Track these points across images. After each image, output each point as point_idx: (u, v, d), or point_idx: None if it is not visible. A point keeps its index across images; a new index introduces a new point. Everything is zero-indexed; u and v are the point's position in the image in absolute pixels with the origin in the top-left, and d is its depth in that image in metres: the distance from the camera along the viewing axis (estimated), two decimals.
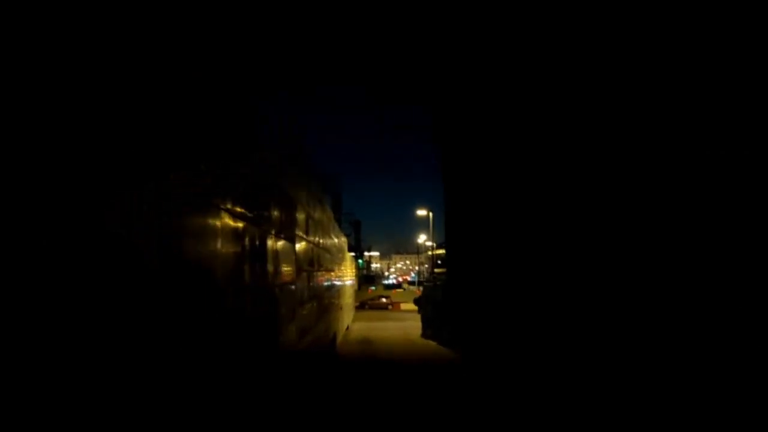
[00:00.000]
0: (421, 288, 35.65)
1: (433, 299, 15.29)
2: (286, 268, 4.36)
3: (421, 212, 38.02)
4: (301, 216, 5.60)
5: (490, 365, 9.27)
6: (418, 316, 17.88)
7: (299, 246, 5.30)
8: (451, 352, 11.51)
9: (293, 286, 4.73)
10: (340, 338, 12.97)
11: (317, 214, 7.62)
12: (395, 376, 8.45)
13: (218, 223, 2.60)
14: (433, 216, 36.83)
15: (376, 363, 10.05)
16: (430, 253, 72.50)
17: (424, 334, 15.41)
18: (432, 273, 55.45)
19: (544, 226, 7.54)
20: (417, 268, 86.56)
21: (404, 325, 19.81)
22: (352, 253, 29.17)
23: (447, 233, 14.63)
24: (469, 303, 11.12)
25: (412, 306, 30.29)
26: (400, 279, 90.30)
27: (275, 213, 4.05)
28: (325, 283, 9.15)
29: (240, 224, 2.97)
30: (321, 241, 8.27)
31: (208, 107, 2.65)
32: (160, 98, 2.00)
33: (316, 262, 7.22)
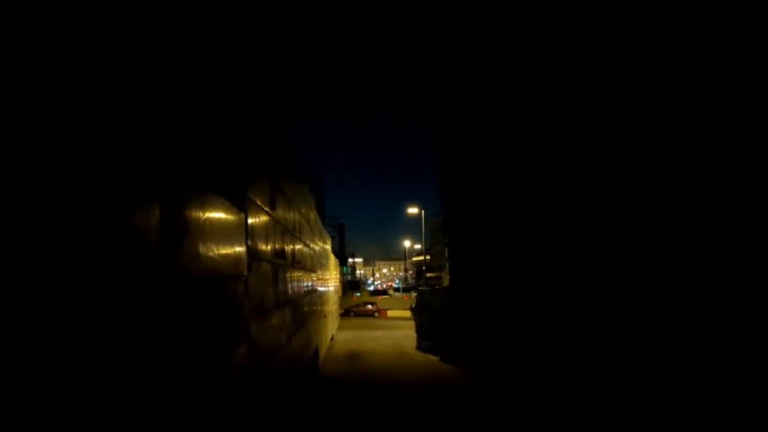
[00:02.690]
0: (409, 294, 33.73)
1: (430, 306, 13.33)
2: (223, 253, 2.40)
3: (413, 210, 36.04)
4: (262, 180, 3.65)
5: (516, 390, 7.47)
6: (408, 324, 16.14)
7: (255, 222, 3.35)
8: (458, 371, 9.62)
9: (241, 286, 2.78)
10: (323, 352, 11.03)
11: (290, 189, 5.65)
12: (397, 408, 6.50)
13: None
14: (421, 217, 34.95)
15: (369, 387, 8.11)
16: (415, 258, 70.71)
17: (420, 346, 13.48)
18: (423, 277, 53.99)
19: (561, 217, 6.89)
20: (402, 273, 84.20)
21: (395, 334, 17.90)
22: (337, 259, 27.26)
23: (449, 226, 12.90)
24: (483, 309, 9.29)
25: (399, 313, 28.47)
26: (386, 285, 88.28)
27: (193, 141, 2.11)
28: (305, 286, 7.19)
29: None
30: (298, 230, 6.31)
31: None
32: None
33: (289, 254, 5.25)
